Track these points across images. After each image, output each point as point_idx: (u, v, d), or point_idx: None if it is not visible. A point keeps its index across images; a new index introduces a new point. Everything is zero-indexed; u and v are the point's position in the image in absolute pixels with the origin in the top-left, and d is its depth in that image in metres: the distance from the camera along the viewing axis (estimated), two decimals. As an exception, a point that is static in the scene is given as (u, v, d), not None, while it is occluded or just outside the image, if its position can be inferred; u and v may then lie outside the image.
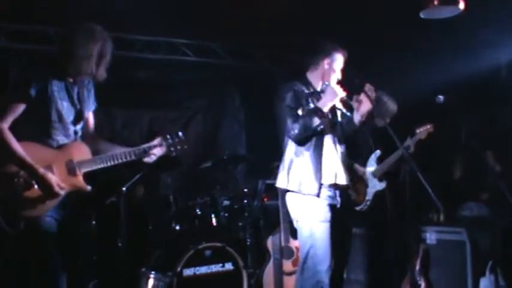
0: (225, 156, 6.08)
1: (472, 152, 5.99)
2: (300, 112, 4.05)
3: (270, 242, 5.46)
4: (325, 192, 4.09)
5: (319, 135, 4.07)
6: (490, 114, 7.15)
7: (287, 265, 5.39)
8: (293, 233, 5.46)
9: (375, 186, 5.19)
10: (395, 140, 3.97)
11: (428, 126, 5.37)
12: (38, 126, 3.46)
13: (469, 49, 6.20)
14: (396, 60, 6.39)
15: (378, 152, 5.23)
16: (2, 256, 3.62)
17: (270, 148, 7.46)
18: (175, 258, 5.02)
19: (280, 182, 4.21)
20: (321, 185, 4.03)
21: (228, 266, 5.22)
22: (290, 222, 5.45)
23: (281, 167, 4.25)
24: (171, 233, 5.47)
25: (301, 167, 4.07)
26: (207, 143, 7.67)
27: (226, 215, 5.75)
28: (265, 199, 6.29)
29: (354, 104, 4.07)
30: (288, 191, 4.17)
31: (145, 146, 3.72)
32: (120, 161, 3.61)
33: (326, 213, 4.07)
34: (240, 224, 5.72)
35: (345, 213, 4.24)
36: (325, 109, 4.02)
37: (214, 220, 5.59)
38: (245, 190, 5.73)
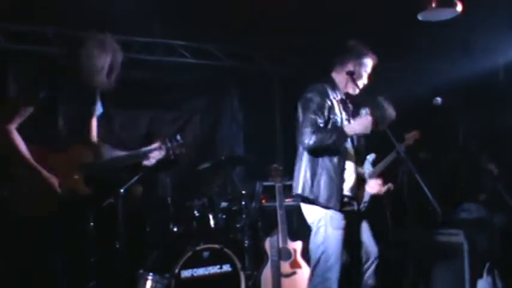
0: (223, 158, 6.07)
1: (470, 154, 6.00)
2: (319, 121, 3.99)
3: (267, 244, 5.45)
4: (343, 204, 4.10)
5: (333, 150, 4.03)
6: (488, 116, 7.17)
7: (285, 267, 5.39)
8: (291, 234, 5.48)
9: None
10: (394, 143, 3.99)
11: (415, 133, 5.40)
12: (44, 129, 3.51)
13: (467, 51, 6.22)
14: (394, 62, 6.40)
15: (373, 155, 5.24)
16: (3, 256, 3.65)
17: (268, 150, 7.51)
18: (173, 260, 5.02)
19: (302, 190, 4.14)
20: (342, 199, 4.05)
21: (226, 267, 5.21)
22: (288, 223, 5.48)
23: (302, 174, 4.15)
24: (168, 234, 5.47)
25: (326, 180, 4.04)
26: (205, 144, 7.66)
27: (224, 216, 5.75)
28: (263, 200, 6.28)
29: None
30: (308, 199, 4.13)
31: (145, 149, 3.77)
32: (121, 164, 3.66)
33: (341, 221, 4.06)
34: (238, 225, 5.71)
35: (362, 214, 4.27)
36: (350, 134, 3.98)
37: (212, 222, 5.58)
38: (243, 192, 5.72)
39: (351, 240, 4.13)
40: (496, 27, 5.85)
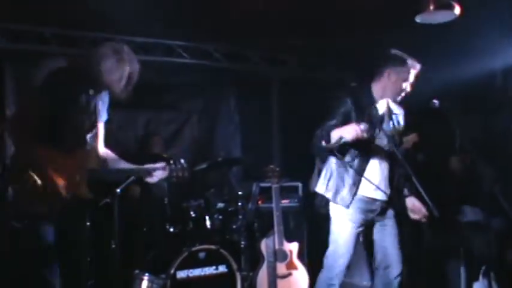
0: (219, 159, 6.07)
1: (467, 157, 6.01)
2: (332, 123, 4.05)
3: (263, 245, 5.45)
4: (358, 203, 4.15)
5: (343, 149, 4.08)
6: (486, 120, 7.17)
7: (281, 268, 5.39)
8: (287, 235, 5.48)
9: None
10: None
11: (413, 136, 5.39)
12: (53, 131, 3.53)
13: (465, 55, 6.22)
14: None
15: None
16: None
17: (265, 151, 7.51)
18: (169, 260, 5.01)
19: (319, 188, 4.32)
20: (353, 198, 4.10)
21: (222, 268, 5.21)
22: (284, 225, 5.48)
23: (322, 173, 4.36)
24: (165, 234, 5.47)
25: (340, 179, 4.15)
26: (202, 145, 7.67)
27: (220, 217, 5.75)
28: (259, 202, 6.29)
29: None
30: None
31: (149, 167, 3.85)
32: (124, 176, 3.73)
33: (356, 220, 4.16)
34: (234, 226, 5.71)
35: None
36: (335, 138, 3.93)
37: (208, 222, 5.58)
38: (240, 192, 5.72)
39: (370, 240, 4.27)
40: (494, 31, 5.85)
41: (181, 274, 5.00)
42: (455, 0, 4.62)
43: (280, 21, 5.86)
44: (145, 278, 4.99)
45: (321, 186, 4.32)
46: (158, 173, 3.85)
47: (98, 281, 4.97)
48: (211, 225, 5.59)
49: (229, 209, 5.83)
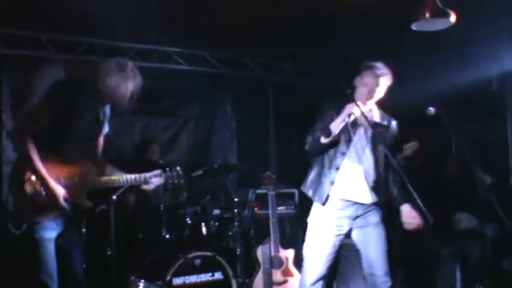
0: (216, 165, 6.08)
1: (463, 163, 6.02)
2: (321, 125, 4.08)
3: (259, 252, 5.45)
4: (337, 205, 4.10)
5: (326, 150, 4.10)
6: (482, 126, 7.20)
7: (277, 275, 5.39)
8: (283, 242, 5.48)
9: None
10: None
11: (414, 143, 5.41)
12: (55, 141, 3.59)
13: (461, 62, 6.24)
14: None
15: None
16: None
17: (261, 157, 7.51)
18: (165, 267, 5.01)
19: (303, 186, 4.32)
20: (327, 196, 4.08)
21: (218, 275, 5.20)
22: (280, 231, 5.49)
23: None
24: (161, 241, 5.46)
25: (320, 176, 4.15)
26: (198, 151, 7.68)
27: (216, 224, 5.75)
28: (255, 208, 6.29)
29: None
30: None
31: (146, 174, 3.89)
32: (122, 185, 3.91)
33: (332, 225, 4.09)
34: (230, 233, 5.71)
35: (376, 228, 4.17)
36: (335, 129, 3.96)
37: (204, 229, 5.58)
38: (236, 199, 5.72)
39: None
40: (490, 37, 5.87)
41: (178, 281, 5.00)
42: (451, 8, 4.62)
43: (276, 27, 5.87)
44: (141, 284, 4.99)
45: (304, 184, 4.29)
46: (155, 180, 3.91)
47: (94, 288, 4.97)
48: (207, 231, 5.59)
49: (226, 216, 5.83)
